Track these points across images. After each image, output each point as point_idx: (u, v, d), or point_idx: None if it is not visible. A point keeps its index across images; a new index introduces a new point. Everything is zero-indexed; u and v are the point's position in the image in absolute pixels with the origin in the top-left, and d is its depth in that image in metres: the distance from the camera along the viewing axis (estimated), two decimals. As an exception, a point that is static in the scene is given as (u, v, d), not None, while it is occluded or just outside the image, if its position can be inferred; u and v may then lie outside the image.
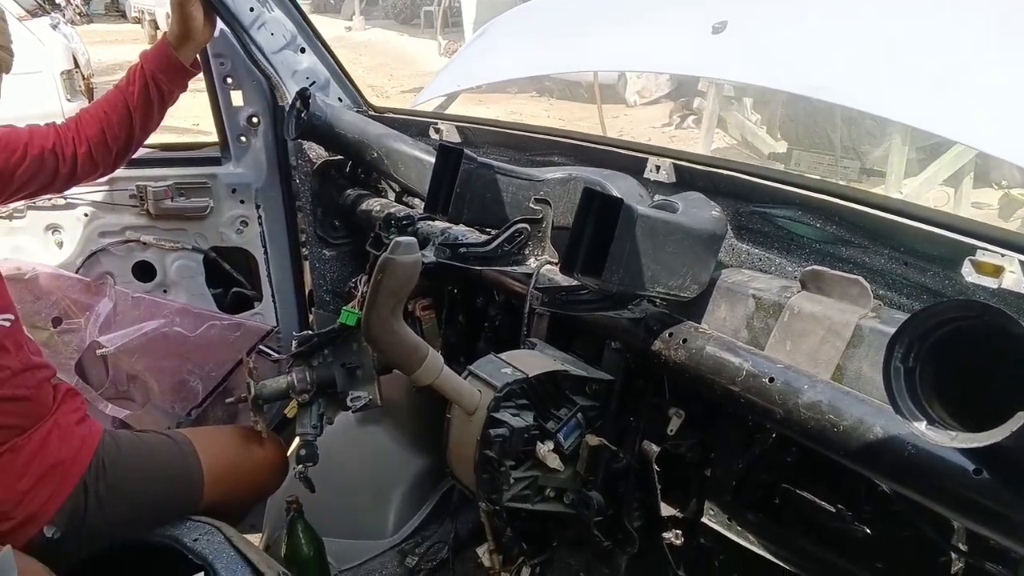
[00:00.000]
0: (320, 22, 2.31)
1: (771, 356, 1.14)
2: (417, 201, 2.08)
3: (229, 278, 2.58)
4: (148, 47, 1.86)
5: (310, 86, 2.18)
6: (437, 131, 2.05)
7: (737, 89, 7.74)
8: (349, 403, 1.80)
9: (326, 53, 2.28)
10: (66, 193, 2.27)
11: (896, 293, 1.17)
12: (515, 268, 1.54)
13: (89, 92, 7.78)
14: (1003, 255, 0.98)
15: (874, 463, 0.96)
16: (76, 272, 2.41)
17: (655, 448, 1.39)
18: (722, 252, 1.34)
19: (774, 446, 1.27)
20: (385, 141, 1.98)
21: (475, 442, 1.27)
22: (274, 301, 2.55)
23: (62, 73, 7.01)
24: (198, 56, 1.91)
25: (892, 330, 0.82)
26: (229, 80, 2.29)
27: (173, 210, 2.40)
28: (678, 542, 1.43)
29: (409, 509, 2.20)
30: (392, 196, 2.24)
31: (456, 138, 2.02)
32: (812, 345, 1.11)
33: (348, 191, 2.26)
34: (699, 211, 1.32)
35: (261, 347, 2.54)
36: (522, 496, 1.35)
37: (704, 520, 1.38)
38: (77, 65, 7.54)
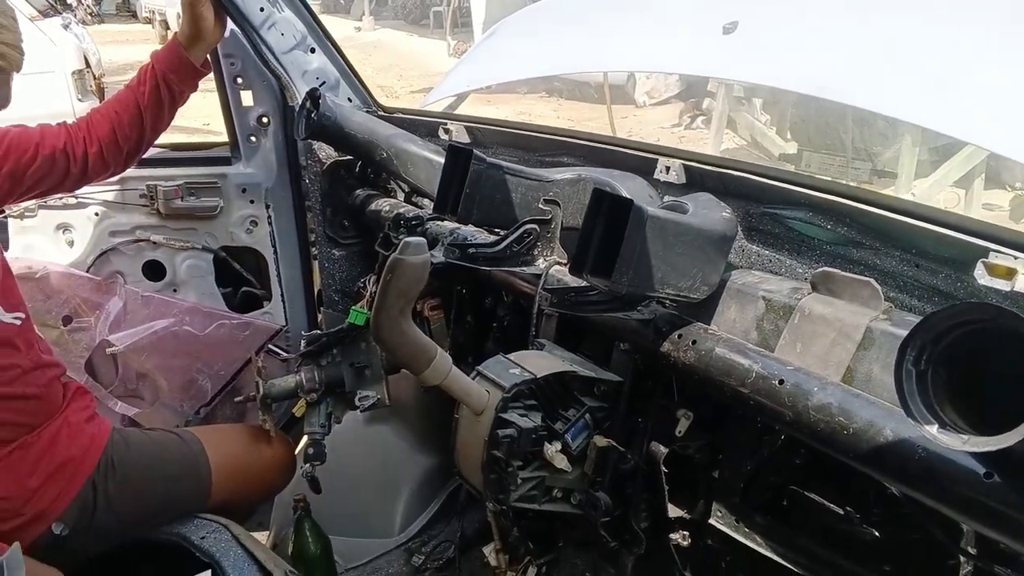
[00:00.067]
0: (330, 22, 2.32)
1: (781, 358, 1.13)
2: (426, 201, 2.08)
3: (239, 277, 2.59)
4: (159, 47, 1.87)
5: (320, 86, 2.18)
6: (446, 131, 2.05)
7: (747, 90, 7.70)
8: (357, 402, 1.80)
9: (336, 53, 2.28)
10: (77, 192, 2.28)
11: (907, 295, 1.16)
12: (524, 269, 1.54)
13: (100, 92, 7.81)
14: (1016, 257, 0.97)
15: (884, 466, 0.95)
16: (87, 271, 2.42)
17: (663, 449, 1.38)
18: (732, 253, 1.34)
19: (783, 448, 1.26)
20: (394, 141, 1.99)
21: (483, 442, 1.27)
22: (283, 300, 2.56)
23: (73, 73, 7.04)
24: (208, 56, 1.91)
25: (903, 332, 0.81)
26: (239, 80, 2.30)
27: (183, 210, 2.41)
28: (685, 543, 1.42)
29: (416, 508, 2.20)
30: (401, 196, 2.24)
31: (465, 138, 2.02)
32: (822, 347, 1.10)
33: (357, 191, 2.27)
34: (709, 212, 1.31)
35: (270, 346, 2.54)
36: (529, 496, 1.35)
37: (712, 522, 1.37)
38: (88, 65, 7.57)
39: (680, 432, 1.36)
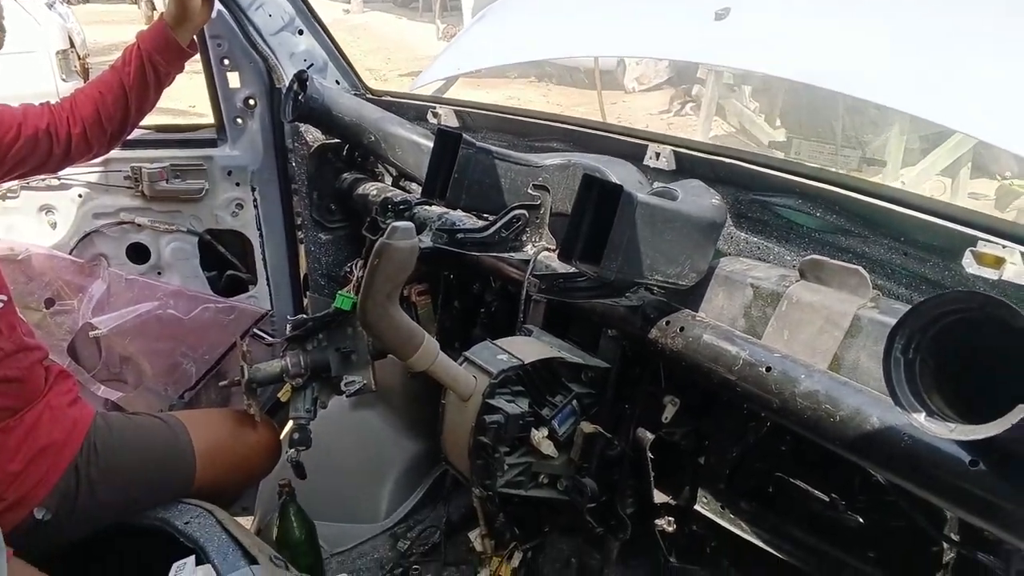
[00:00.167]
0: (318, 4, 2.29)
1: (768, 345, 1.13)
2: (414, 186, 2.07)
3: (224, 261, 2.57)
4: (145, 27, 1.84)
5: (307, 68, 2.17)
6: (435, 115, 2.04)
7: (737, 77, 7.70)
8: (343, 387, 1.80)
9: (324, 35, 2.26)
10: (60, 174, 2.26)
11: (895, 283, 1.16)
12: (512, 254, 1.53)
13: (85, 72, 7.69)
14: (1004, 246, 0.97)
15: (870, 453, 0.96)
16: (70, 253, 2.39)
17: (649, 436, 1.39)
18: (721, 240, 1.33)
19: (769, 435, 1.27)
20: (382, 125, 1.97)
21: (470, 428, 1.27)
22: (269, 284, 2.54)
23: (57, 53, 6.92)
24: (195, 37, 1.89)
25: (891, 320, 0.81)
26: (226, 61, 2.27)
27: (168, 192, 2.39)
28: (670, 529, 1.43)
29: (402, 493, 2.20)
30: (389, 180, 2.23)
31: (454, 122, 2.00)
32: (810, 335, 1.10)
33: (345, 175, 2.25)
34: (699, 199, 1.31)
35: (255, 330, 2.53)
36: (516, 482, 1.35)
37: (697, 508, 1.38)
38: (73, 45, 7.44)
39: (667, 418, 1.36)
